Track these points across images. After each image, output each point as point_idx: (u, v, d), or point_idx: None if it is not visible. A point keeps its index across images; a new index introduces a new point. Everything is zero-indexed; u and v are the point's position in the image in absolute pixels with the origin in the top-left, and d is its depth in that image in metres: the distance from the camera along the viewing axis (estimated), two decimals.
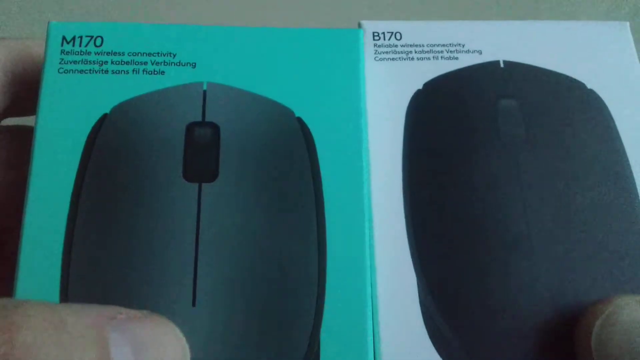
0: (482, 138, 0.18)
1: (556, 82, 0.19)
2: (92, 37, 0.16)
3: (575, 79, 0.19)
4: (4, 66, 0.17)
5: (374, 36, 0.18)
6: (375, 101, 0.18)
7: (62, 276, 0.14)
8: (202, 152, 0.16)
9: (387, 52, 0.18)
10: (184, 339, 0.13)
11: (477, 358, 0.15)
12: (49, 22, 0.16)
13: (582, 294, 0.16)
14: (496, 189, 0.17)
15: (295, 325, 0.14)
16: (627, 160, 0.18)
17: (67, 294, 0.14)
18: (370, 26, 0.19)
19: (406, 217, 0.17)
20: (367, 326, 0.14)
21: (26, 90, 0.17)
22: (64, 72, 0.16)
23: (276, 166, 0.16)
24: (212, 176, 0.15)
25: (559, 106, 0.18)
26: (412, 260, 0.16)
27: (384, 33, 0.19)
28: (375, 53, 0.18)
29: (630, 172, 0.17)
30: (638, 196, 0.17)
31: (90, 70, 0.16)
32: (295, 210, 0.15)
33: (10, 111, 0.17)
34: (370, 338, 0.14)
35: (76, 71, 0.16)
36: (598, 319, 0.14)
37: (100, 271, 0.14)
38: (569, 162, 0.17)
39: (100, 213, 0.15)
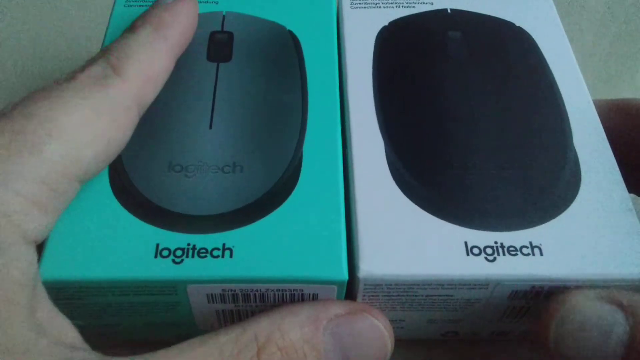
0: (435, 56, 0.23)
1: (491, 21, 0.25)
2: None
3: (506, 20, 0.25)
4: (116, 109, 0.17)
5: None
6: (352, 34, 0.24)
7: None
8: (220, 45, 0.22)
9: (359, 3, 0.25)
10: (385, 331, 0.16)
11: (432, 193, 0.19)
12: None
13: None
14: (447, 89, 0.22)
15: (283, 144, 0.19)
16: (552, 75, 0.23)
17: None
18: None
19: (375, 105, 0.21)
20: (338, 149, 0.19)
21: None
22: (129, 6, 0.23)
23: (273, 54, 0.21)
24: (228, 58, 0.21)
25: (494, 37, 0.24)
26: (380, 131, 0.21)
27: None
28: (351, 3, 0.25)
29: (555, 84, 0.22)
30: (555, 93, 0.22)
31: (145, 5, 0.23)
32: (285, 80, 0.21)
33: None
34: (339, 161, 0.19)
35: (136, 5, 0.23)
36: (553, 319, 0.16)
37: (143, 119, 0.19)
38: (503, 73, 0.22)
39: None
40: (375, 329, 0.16)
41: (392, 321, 0.19)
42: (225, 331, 0.15)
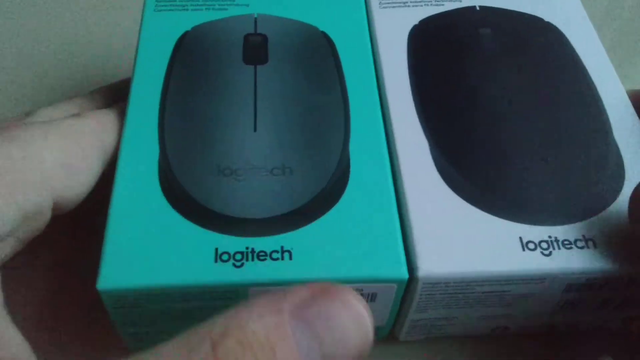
0: (469, 53, 0.23)
1: (520, 16, 0.25)
2: None
3: (534, 15, 0.25)
4: (99, 141, 0.18)
5: None
6: (384, 34, 0.24)
7: (159, 128, 0.19)
8: (255, 47, 0.21)
9: (388, 2, 0.25)
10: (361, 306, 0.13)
11: (482, 189, 0.19)
12: None
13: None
14: (484, 84, 0.22)
15: (329, 144, 0.19)
16: (585, 67, 0.23)
17: (165, 140, 0.19)
18: None
19: (415, 103, 0.21)
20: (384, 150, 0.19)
21: (110, 161, 0.19)
22: (158, 11, 0.23)
23: (308, 55, 0.21)
24: (264, 61, 0.21)
25: (524, 32, 0.24)
26: (423, 129, 0.21)
27: None
28: (380, 3, 0.25)
29: (588, 76, 0.22)
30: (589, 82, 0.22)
31: (176, 9, 0.23)
32: (323, 80, 0.21)
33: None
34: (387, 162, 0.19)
35: (166, 10, 0.23)
36: None
37: (188, 124, 0.19)
38: (537, 67, 0.22)
39: (187, 86, 0.20)
40: (351, 307, 0.13)
41: (443, 318, 0.19)
42: (178, 336, 0.13)
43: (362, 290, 0.16)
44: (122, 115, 0.20)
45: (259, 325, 0.12)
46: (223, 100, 0.20)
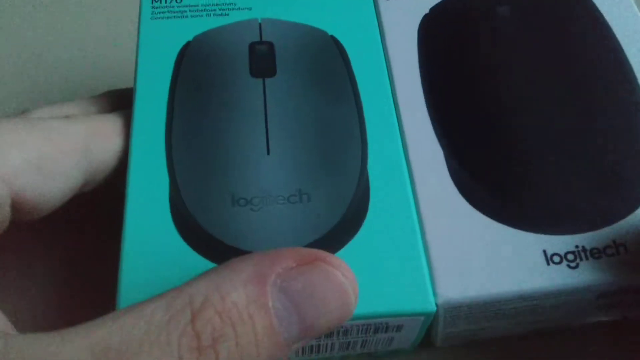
0: (486, 41, 0.22)
1: None
2: None
3: None
4: (84, 146, 0.18)
5: None
6: (392, 27, 0.22)
7: (167, 155, 0.18)
8: (262, 58, 0.20)
9: None
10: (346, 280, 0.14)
11: (501, 200, 0.18)
12: None
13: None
14: (504, 78, 0.20)
15: (347, 164, 0.18)
16: (619, 42, 0.21)
17: (174, 169, 0.18)
18: None
19: (428, 106, 0.20)
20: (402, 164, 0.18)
21: (95, 169, 0.18)
22: (155, 19, 0.21)
23: (319, 64, 0.20)
24: (272, 73, 0.20)
25: (549, 5, 0.22)
26: (437, 136, 0.20)
27: None
28: None
29: (624, 56, 0.20)
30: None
31: (174, 16, 0.21)
32: (336, 91, 0.20)
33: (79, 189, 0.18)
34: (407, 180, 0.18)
35: (163, 17, 0.21)
36: None
37: (197, 149, 0.18)
38: (563, 48, 0.21)
39: (193, 105, 0.19)
40: (334, 279, 0.13)
41: (475, 329, 0.19)
42: (158, 297, 0.12)
43: (387, 323, 0.16)
44: (118, 123, 0.19)
45: (240, 295, 0.12)
46: (232, 121, 0.19)
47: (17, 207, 0.16)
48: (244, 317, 0.12)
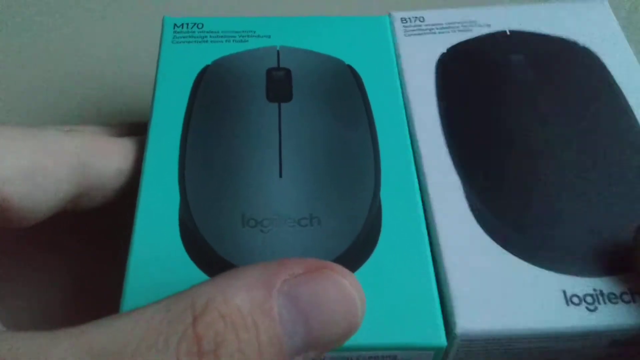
0: (500, 83, 0.22)
1: (554, 41, 0.23)
2: (195, 23, 0.22)
3: (569, 38, 0.23)
4: (79, 160, 0.18)
5: (402, 20, 0.24)
6: (410, 63, 0.23)
7: (179, 173, 0.18)
8: (279, 83, 0.20)
9: (413, 30, 0.24)
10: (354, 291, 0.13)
11: (523, 237, 0.18)
12: (163, 17, 0.23)
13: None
14: (519, 117, 0.21)
15: (360, 186, 0.18)
16: (623, 95, 0.21)
17: (186, 187, 0.18)
18: (397, 14, 0.24)
19: (445, 139, 0.20)
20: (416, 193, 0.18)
21: (90, 185, 0.18)
22: (176, 43, 0.22)
23: (334, 91, 0.20)
24: (288, 98, 0.20)
25: (559, 58, 0.23)
26: (456, 169, 0.20)
27: (409, 18, 0.24)
28: (405, 31, 0.24)
29: (628, 105, 0.21)
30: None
31: (194, 41, 0.22)
32: (351, 118, 0.20)
33: (72, 203, 0.18)
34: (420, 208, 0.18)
35: (184, 42, 0.22)
36: None
37: (210, 168, 0.18)
38: (573, 96, 0.21)
39: (209, 126, 0.19)
40: (341, 288, 0.13)
41: None
42: (159, 301, 0.12)
43: (396, 356, 0.15)
44: (123, 145, 0.19)
45: (244, 299, 0.12)
46: (247, 143, 0.19)
47: (3, 213, 0.16)
48: (248, 323, 0.11)
